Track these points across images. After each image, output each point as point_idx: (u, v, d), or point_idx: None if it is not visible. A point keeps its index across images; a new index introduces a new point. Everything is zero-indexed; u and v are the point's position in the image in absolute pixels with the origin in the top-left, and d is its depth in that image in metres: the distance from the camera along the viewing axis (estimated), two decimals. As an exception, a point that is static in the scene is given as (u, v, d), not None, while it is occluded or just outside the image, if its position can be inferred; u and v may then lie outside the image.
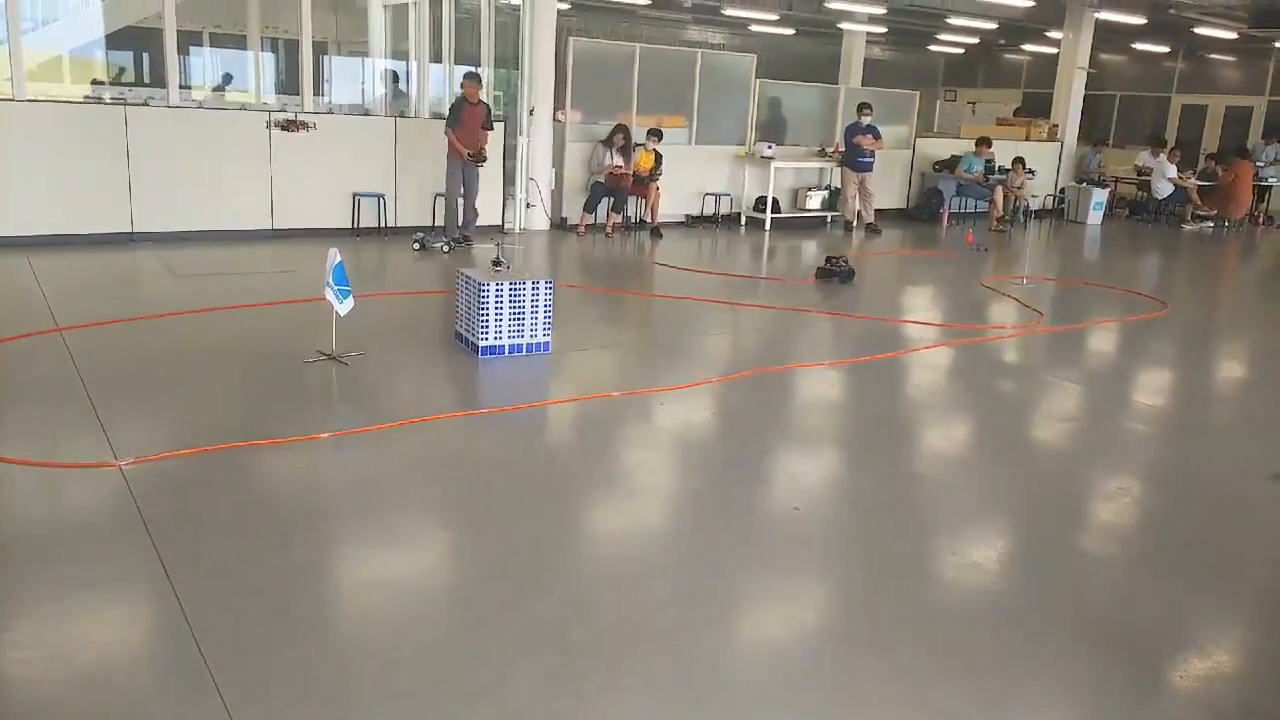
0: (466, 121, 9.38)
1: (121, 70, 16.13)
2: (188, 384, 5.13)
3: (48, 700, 2.59)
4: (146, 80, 15.77)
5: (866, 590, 3.43)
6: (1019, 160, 13.31)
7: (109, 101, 10.68)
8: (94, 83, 14.36)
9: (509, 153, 10.46)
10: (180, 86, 10.23)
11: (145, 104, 9.48)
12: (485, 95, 9.95)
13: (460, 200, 9.53)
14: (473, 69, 10.23)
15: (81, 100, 11.08)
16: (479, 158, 9.49)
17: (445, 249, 9.15)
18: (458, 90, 9.78)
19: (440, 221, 9.89)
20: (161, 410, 4.75)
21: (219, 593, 3.11)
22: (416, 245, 9.19)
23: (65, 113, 8.76)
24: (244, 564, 3.31)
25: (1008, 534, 4.01)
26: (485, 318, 5.63)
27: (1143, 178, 15.10)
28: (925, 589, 3.45)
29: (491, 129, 9.64)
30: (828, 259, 8.91)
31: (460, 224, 9.56)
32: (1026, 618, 3.27)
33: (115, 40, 15.12)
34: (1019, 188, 13.26)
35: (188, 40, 15.35)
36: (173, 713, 2.57)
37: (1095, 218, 14.40)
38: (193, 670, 2.69)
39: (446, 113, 9.62)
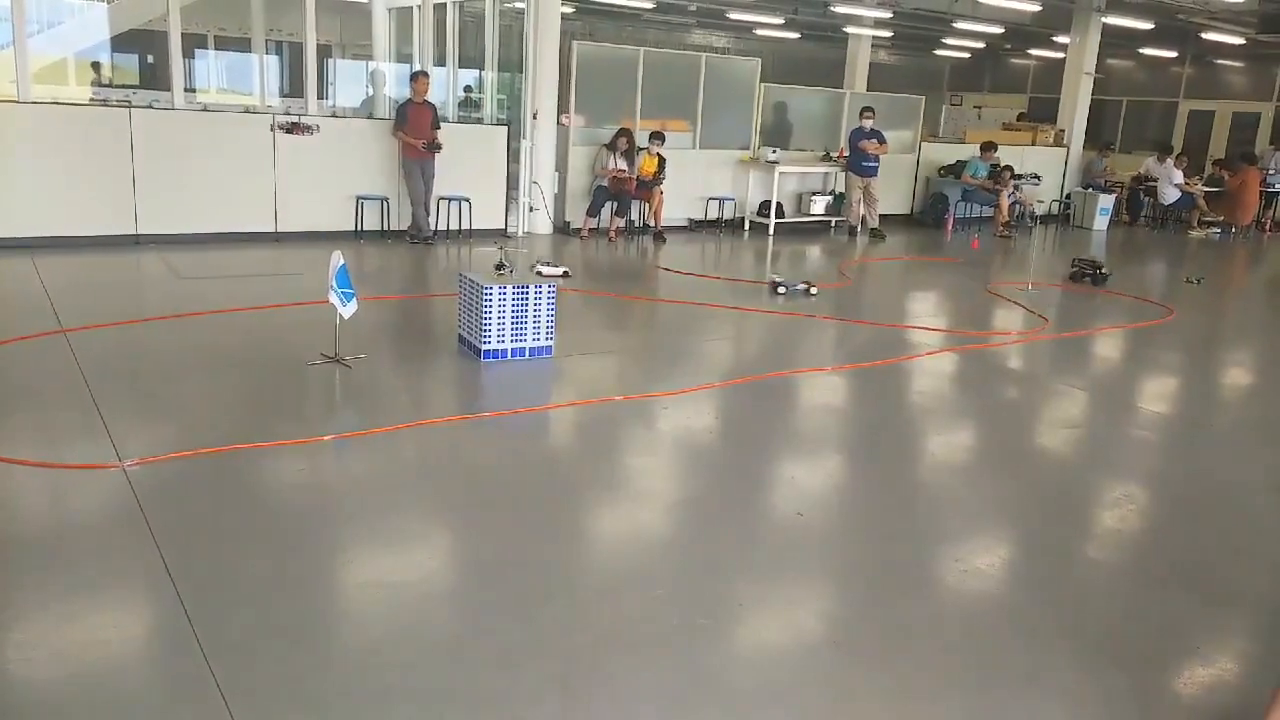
0: (413, 120, 9.35)
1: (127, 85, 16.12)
2: (191, 386, 5.13)
3: (50, 700, 2.58)
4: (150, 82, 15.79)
5: (869, 598, 3.41)
6: (1007, 168, 13.25)
7: (114, 104, 10.70)
8: (100, 85, 14.37)
9: (513, 156, 10.47)
10: (185, 89, 10.24)
11: (150, 106, 9.49)
12: (488, 99, 9.94)
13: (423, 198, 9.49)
14: (421, 69, 10.17)
15: (87, 103, 11.08)
16: (433, 146, 9.39)
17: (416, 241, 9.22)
18: (461, 94, 9.77)
19: (445, 226, 9.91)
20: (165, 412, 4.75)
21: (221, 594, 3.10)
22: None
23: (70, 115, 8.78)
24: (246, 565, 3.30)
25: (1011, 542, 3.99)
26: (487, 321, 5.63)
27: (1149, 183, 15.06)
28: (928, 597, 3.43)
29: (439, 128, 9.53)
30: (1075, 261, 9.16)
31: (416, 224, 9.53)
32: (1029, 626, 3.25)
33: (121, 43, 15.14)
34: (1014, 192, 13.24)
35: (192, 43, 15.38)
36: (174, 713, 2.56)
37: (1101, 223, 14.38)
38: (194, 671, 2.68)
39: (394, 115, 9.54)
